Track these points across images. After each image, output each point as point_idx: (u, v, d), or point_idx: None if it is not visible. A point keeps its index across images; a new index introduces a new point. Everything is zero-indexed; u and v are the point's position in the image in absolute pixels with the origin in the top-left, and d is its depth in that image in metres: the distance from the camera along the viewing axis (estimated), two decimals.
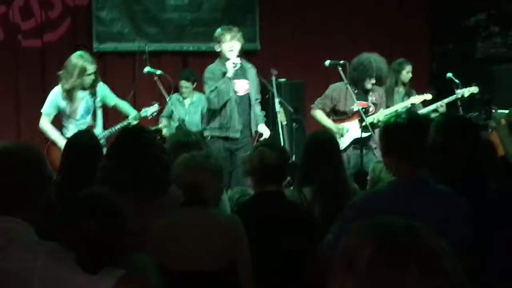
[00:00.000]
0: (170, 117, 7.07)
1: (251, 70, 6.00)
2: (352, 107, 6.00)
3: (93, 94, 5.69)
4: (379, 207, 2.40)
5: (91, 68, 5.62)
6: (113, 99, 5.87)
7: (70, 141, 3.96)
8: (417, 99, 6.50)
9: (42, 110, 5.82)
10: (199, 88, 7.43)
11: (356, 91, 5.95)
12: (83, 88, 5.68)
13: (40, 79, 7.52)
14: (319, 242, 2.77)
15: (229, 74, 5.69)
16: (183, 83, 7.43)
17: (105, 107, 5.89)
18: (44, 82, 7.51)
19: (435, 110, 6.58)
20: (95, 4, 7.61)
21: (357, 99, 5.94)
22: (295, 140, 6.83)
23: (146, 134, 3.42)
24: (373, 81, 5.98)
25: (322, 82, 8.04)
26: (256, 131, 5.92)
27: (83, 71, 5.58)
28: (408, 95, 6.83)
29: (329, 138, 3.97)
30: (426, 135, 2.67)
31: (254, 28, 8.08)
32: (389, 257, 1.21)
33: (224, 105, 5.75)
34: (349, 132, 6.01)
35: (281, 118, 6.36)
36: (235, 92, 5.79)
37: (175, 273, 2.84)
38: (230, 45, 5.72)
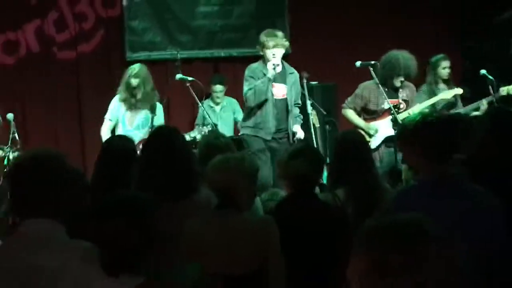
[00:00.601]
0: (203, 123, 7.13)
1: (293, 75, 5.98)
2: (382, 106, 5.98)
3: (153, 111, 5.87)
4: (411, 204, 2.38)
5: (134, 82, 5.86)
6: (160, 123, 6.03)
7: (104, 145, 4.04)
8: (448, 94, 6.44)
9: (105, 116, 6.05)
10: (228, 93, 7.50)
11: (386, 89, 5.93)
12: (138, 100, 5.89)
13: (75, 89, 7.67)
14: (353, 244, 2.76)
15: (269, 75, 5.69)
16: (218, 88, 7.49)
17: None
18: (79, 92, 7.67)
19: (476, 109, 6.48)
20: (127, 14, 7.72)
21: (388, 97, 5.92)
22: (328, 142, 6.83)
23: (175, 135, 3.46)
24: (401, 78, 5.96)
25: (354, 84, 8.00)
26: (293, 132, 5.92)
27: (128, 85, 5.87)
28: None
29: (359, 139, 3.97)
30: (453, 134, 2.63)
31: (284, 32, 8.03)
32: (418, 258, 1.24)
33: (260, 105, 5.75)
34: (380, 130, 5.99)
35: (314, 120, 6.38)
36: (273, 94, 5.80)
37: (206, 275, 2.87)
38: (273, 51, 5.73)
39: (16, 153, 5.44)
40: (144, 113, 5.95)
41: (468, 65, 8.27)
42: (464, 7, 8.48)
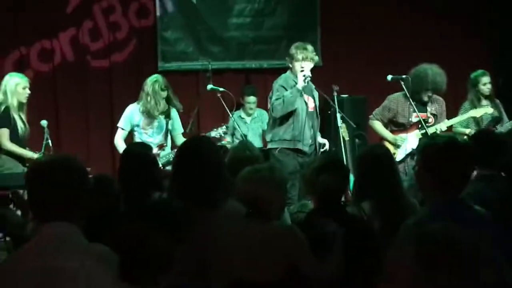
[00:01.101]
0: (233, 134, 7.17)
1: (315, 90, 6.01)
2: (411, 119, 5.96)
3: (168, 116, 5.93)
4: None
5: (164, 91, 5.99)
6: (178, 130, 6.13)
7: (123, 152, 4.13)
8: (478, 112, 6.37)
9: (118, 124, 6.12)
10: (259, 105, 7.53)
11: (414, 102, 5.90)
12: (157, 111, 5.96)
13: (108, 97, 7.77)
14: (381, 257, 2.75)
15: (298, 86, 5.68)
16: (251, 99, 7.53)
17: None
18: (112, 100, 7.77)
19: None
20: (160, 25, 7.82)
21: (416, 111, 5.88)
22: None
23: (206, 143, 3.49)
24: (430, 93, 5.92)
25: (384, 97, 8.00)
26: (319, 143, 5.92)
27: (157, 92, 5.95)
28: (494, 107, 6.64)
29: (384, 152, 3.94)
30: (465, 160, 2.59)
31: (315, 45, 8.06)
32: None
33: (289, 116, 5.71)
34: (406, 143, 5.96)
35: (344, 133, 6.37)
36: (307, 105, 5.80)
37: (232, 283, 2.88)
38: (302, 64, 5.73)
39: None
40: (158, 119, 6.03)
41: (501, 82, 8.18)
42: (498, 23, 8.41)
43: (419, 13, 8.25)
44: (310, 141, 5.80)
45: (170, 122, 6.02)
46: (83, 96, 7.71)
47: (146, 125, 6.01)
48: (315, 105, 5.94)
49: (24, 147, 5.84)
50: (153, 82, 6.00)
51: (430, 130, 5.83)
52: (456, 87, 7.91)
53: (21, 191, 4.74)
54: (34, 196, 2.21)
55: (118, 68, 7.77)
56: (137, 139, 6.02)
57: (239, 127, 6.08)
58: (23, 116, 5.89)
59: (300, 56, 5.72)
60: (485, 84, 6.75)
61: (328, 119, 7.04)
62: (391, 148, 5.97)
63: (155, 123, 6.02)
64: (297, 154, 5.74)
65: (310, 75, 5.73)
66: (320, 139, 5.95)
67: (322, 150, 5.87)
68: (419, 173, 2.62)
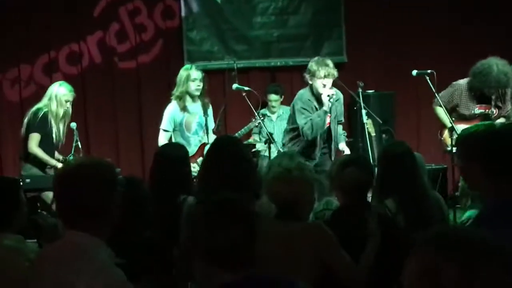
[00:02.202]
0: (259, 132, 7.21)
1: (338, 101, 5.89)
2: (473, 111, 5.82)
3: (205, 112, 5.99)
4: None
5: (194, 74, 5.96)
6: (211, 127, 6.14)
7: (156, 152, 4.16)
8: None
9: (161, 126, 6.12)
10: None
11: (479, 93, 5.76)
12: (193, 98, 5.97)
13: (136, 98, 7.87)
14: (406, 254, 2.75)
15: (325, 107, 5.60)
16: (273, 97, 7.57)
17: None
18: (140, 101, 7.86)
19: None
20: (186, 25, 7.88)
21: (480, 102, 5.79)
22: None
23: (238, 143, 3.52)
24: (493, 90, 5.72)
25: (411, 92, 7.98)
26: (338, 149, 5.88)
27: (187, 77, 5.94)
28: None
29: (404, 150, 3.91)
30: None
31: (340, 41, 8.12)
32: (476, 274, 1.18)
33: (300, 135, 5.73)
34: None
35: (370, 129, 6.35)
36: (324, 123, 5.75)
37: None
38: (323, 81, 5.60)
39: None
40: (198, 117, 6.05)
41: None
42: None
43: (445, 8, 8.17)
44: (319, 154, 5.77)
45: (208, 118, 6.05)
46: (111, 98, 7.81)
47: (187, 123, 6.03)
48: (335, 118, 5.87)
49: (53, 155, 5.93)
50: (183, 69, 6.07)
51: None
52: None
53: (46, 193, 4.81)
54: (59, 202, 2.16)
55: (145, 69, 7.85)
56: (179, 138, 6.02)
57: (264, 126, 6.10)
58: (62, 126, 5.97)
59: (322, 73, 5.57)
60: None
61: (353, 115, 7.03)
62: (448, 139, 5.75)
63: (195, 120, 6.04)
64: None
65: (334, 92, 5.65)
66: (341, 146, 5.89)
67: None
68: (465, 168, 2.28)
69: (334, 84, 5.79)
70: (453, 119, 5.80)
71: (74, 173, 2.12)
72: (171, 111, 6.05)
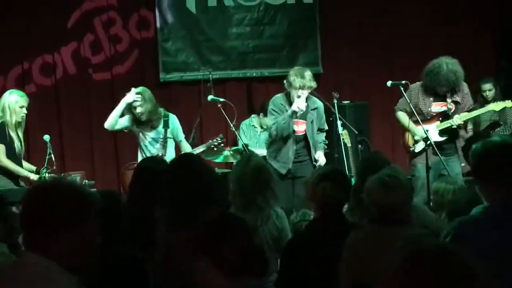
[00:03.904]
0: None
1: (315, 110, 5.93)
2: (430, 108, 5.93)
3: (165, 125, 5.91)
4: (474, 237, 2.36)
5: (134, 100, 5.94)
6: (181, 136, 6.11)
7: (137, 166, 4.13)
8: (497, 106, 6.33)
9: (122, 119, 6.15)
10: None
11: (433, 92, 5.91)
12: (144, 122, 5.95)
13: (111, 110, 7.74)
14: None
15: (289, 112, 5.71)
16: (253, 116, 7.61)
17: None
18: None
19: None
20: (161, 36, 7.85)
21: (436, 100, 5.90)
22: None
23: (195, 160, 3.49)
24: (444, 88, 5.89)
25: (386, 103, 8.02)
26: (315, 159, 5.90)
27: (129, 107, 5.94)
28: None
29: (382, 160, 3.96)
30: None
31: (316, 52, 8.16)
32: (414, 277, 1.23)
33: (283, 140, 5.82)
34: (427, 136, 5.95)
35: (346, 140, 6.38)
36: (294, 131, 5.81)
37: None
38: (298, 92, 5.70)
39: (52, 175, 5.53)
40: (153, 132, 6.03)
41: (504, 83, 8.16)
42: (501, 25, 8.41)
43: (420, 18, 8.26)
44: (291, 164, 5.81)
45: (168, 130, 5.99)
46: (86, 109, 7.75)
47: (142, 135, 6.03)
48: (312, 125, 5.91)
49: (20, 165, 5.80)
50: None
51: (446, 124, 5.82)
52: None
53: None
54: (24, 219, 2.03)
55: (120, 80, 7.79)
56: (138, 149, 6.07)
57: (239, 137, 6.10)
58: (20, 134, 5.82)
59: (297, 85, 5.67)
60: (484, 91, 7.06)
61: (329, 126, 7.06)
62: (411, 139, 6.04)
63: (150, 133, 6.01)
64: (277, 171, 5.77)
65: (304, 109, 5.72)
66: (317, 155, 5.90)
67: (316, 165, 5.84)
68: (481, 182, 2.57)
69: (311, 93, 5.86)
70: (414, 119, 5.98)
71: (46, 194, 2.02)
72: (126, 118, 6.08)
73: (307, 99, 5.80)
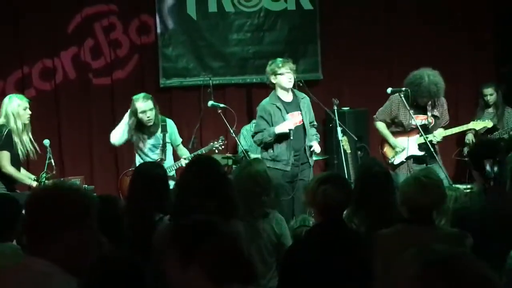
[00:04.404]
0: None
1: (305, 99, 6.05)
2: (410, 121, 5.95)
3: (163, 129, 5.87)
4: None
5: (142, 106, 5.89)
6: (178, 141, 6.12)
7: (135, 171, 4.13)
8: (477, 125, 6.41)
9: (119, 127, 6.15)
10: None
11: (414, 104, 5.93)
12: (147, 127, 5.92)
13: (110, 114, 7.80)
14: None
15: (277, 131, 5.79)
16: None
17: None
18: (114, 117, 7.78)
19: None
20: (161, 42, 7.86)
21: (417, 113, 5.90)
22: None
23: (211, 162, 3.50)
24: (425, 100, 5.92)
25: None
26: (309, 146, 5.94)
27: (135, 111, 5.89)
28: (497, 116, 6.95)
29: (379, 167, 3.97)
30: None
31: (316, 58, 8.16)
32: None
33: (278, 141, 5.86)
34: (406, 150, 5.98)
35: (345, 146, 6.37)
36: (290, 132, 5.83)
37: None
38: (284, 71, 5.86)
39: (52, 180, 5.52)
40: (153, 138, 6.03)
41: (504, 90, 8.16)
42: (499, 32, 8.41)
43: (420, 25, 8.26)
44: (292, 159, 5.84)
45: (166, 135, 6.00)
46: (86, 114, 7.75)
47: (141, 141, 6.03)
48: (309, 115, 5.99)
49: (19, 170, 5.76)
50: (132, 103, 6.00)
51: (428, 138, 5.83)
52: (457, 97, 7.97)
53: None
54: (27, 223, 2.06)
55: (119, 85, 7.80)
56: (137, 156, 6.07)
57: (240, 143, 6.10)
58: (28, 136, 5.77)
59: (280, 65, 5.88)
60: (486, 95, 7.08)
61: (329, 132, 7.05)
62: (390, 151, 6.09)
63: (150, 139, 6.01)
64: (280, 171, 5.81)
65: (293, 128, 5.80)
66: (316, 148, 5.97)
67: (312, 152, 5.90)
68: None
69: (303, 91, 6.05)
70: (393, 131, 6.11)
71: (47, 197, 2.03)
72: (125, 123, 6.05)
73: (293, 91, 5.92)
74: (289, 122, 5.79)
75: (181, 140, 6.20)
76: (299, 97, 6.01)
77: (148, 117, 5.87)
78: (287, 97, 5.96)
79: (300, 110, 5.95)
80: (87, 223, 2.02)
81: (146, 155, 6.01)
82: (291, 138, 5.78)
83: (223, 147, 6.28)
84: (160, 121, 6.00)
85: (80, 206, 2.02)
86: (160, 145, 5.97)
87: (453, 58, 8.14)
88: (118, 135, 6.05)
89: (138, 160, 6.04)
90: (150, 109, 5.88)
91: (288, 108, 5.91)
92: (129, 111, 6.00)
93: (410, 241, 2.93)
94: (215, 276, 1.94)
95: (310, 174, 5.92)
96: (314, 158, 6.29)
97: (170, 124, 6.09)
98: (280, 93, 5.94)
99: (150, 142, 6.00)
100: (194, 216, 2.16)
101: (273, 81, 5.94)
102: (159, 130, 5.97)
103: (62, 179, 5.93)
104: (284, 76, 5.86)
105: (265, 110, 5.92)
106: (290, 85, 5.90)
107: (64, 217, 1.98)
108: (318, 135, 6.19)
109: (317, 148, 5.98)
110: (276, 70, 5.88)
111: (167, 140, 6.00)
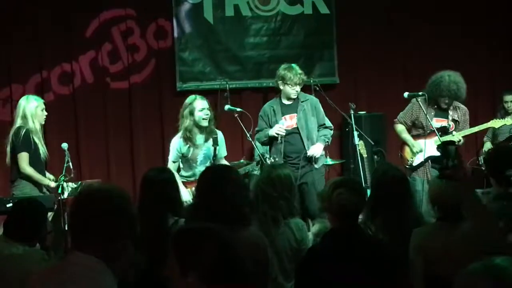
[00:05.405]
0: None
1: (306, 102, 6.02)
2: (430, 122, 5.93)
3: (215, 142, 5.71)
4: None
5: (200, 104, 5.76)
6: (224, 153, 5.95)
7: (142, 178, 4.13)
8: (496, 123, 6.37)
9: (169, 157, 5.93)
10: None
11: (435, 106, 5.92)
12: (200, 129, 5.77)
13: (128, 118, 7.85)
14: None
15: (271, 132, 5.91)
16: None
17: None
18: (131, 121, 7.85)
19: None
20: (178, 46, 7.90)
21: (437, 116, 5.88)
22: None
23: (224, 171, 3.52)
24: (446, 100, 5.91)
25: None
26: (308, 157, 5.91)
27: (193, 109, 5.75)
28: None
29: (395, 172, 3.95)
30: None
31: (332, 63, 8.15)
32: None
33: (272, 143, 5.99)
34: (424, 151, 5.96)
35: (362, 151, 6.37)
36: (283, 136, 5.88)
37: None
38: (293, 84, 5.93)
39: (69, 183, 5.57)
40: (205, 148, 5.81)
41: None
42: None
43: (438, 30, 8.23)
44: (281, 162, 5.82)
45: (217, 148, 5.74)
46: (103, 118, 7.80)
47: (193, 154, 5.79)
48: (304, 115, 5.96)
49: (44, 171, 5.82)
50: (188, 99, 5.86)
51: (447, 138, 5.80)
52: (477, 101, 7.92)
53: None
54: (72, 221, 2.20)
55: (137, 89, 7.85)
56: (187, 167, 5.86)
57: (256, 147, 6.09)
58: (42, 139, 5.85)
59: (289, 77, 5.93)
60: (506, 102, 7.17)
61: (346, 136, 7.05)
62: (409, 153, 6.07)
63: (201, 152, 5.80)
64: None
65: (284, 134, 5.85)
66: (310, 151, 5.89)
67: (309, 156, 5.89)
68: None
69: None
70: (413, 134, 6.11)
71: (86, 201, 2.17)
72: (176, 144, 5.81)
73: (298, 94, 5.97)
74: (277, 126, 5.84)
75: (225, 154, 6.08)
76: (300, 99, 5.99)
77: (206, 114, 5.75)
78: (288, 100, 6.00)
79: (296, 113, 5.93)
80: (132, 235, 2.19)
81: (197, 168, 5.79)
82: (279, 141, 5.82)
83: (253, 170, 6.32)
84: (213, 133, 5.78)
85: (131, 219, 2.20)
86: (210, 159, 5.76)
87: (471, 62, 8.09)
88: (172, 166, 5.80)
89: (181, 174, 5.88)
90: (208, 108, 5.81)
91: (284, 111, 5.97)
92: (181, 117, 5.78)
93: (447, 237, 3.23)
94: (213, 282, 1.96)
95: (316, 178, 5.88)
96: (330, 162, 6.29)
97: (221, 137, 5.93)
98: (284, 97, 6.04)
99: (201, 154, 5.80)
100: (195, 223, 2.20)
101: (280, 86, 6.02)
102: (211, 141, 5.74)
103: (80, 182, 5.95)
104: (291, 89, 5.92)
105: (264, 111, 6.08)
106: (294, 96, 5.97)
107: (115, 224, 2.13)
108: (328, 136, 6.04)
109: (314, 151, 5.87)
110: (286, 79, 5.94)
111: (218, 153, 5.75)
